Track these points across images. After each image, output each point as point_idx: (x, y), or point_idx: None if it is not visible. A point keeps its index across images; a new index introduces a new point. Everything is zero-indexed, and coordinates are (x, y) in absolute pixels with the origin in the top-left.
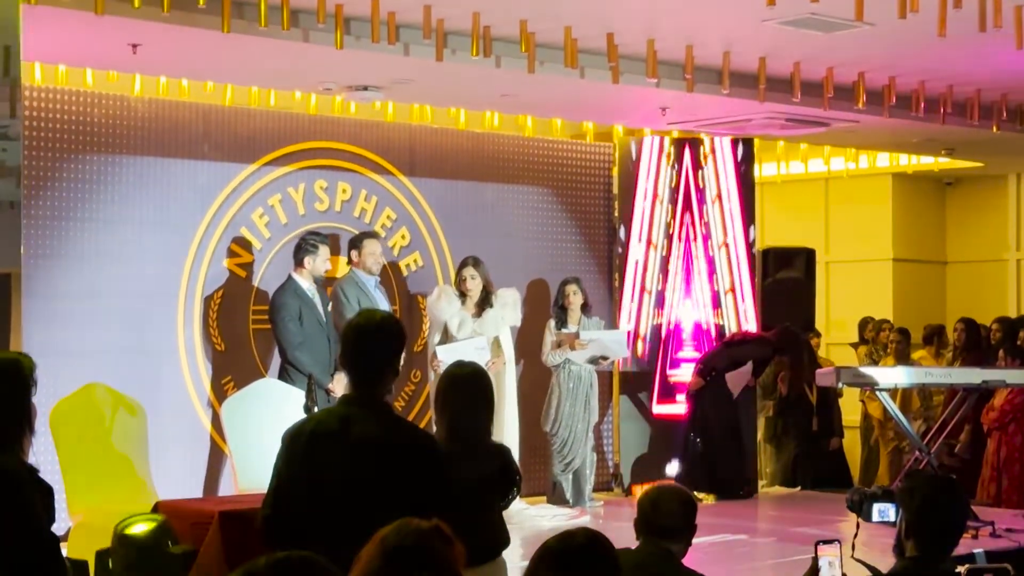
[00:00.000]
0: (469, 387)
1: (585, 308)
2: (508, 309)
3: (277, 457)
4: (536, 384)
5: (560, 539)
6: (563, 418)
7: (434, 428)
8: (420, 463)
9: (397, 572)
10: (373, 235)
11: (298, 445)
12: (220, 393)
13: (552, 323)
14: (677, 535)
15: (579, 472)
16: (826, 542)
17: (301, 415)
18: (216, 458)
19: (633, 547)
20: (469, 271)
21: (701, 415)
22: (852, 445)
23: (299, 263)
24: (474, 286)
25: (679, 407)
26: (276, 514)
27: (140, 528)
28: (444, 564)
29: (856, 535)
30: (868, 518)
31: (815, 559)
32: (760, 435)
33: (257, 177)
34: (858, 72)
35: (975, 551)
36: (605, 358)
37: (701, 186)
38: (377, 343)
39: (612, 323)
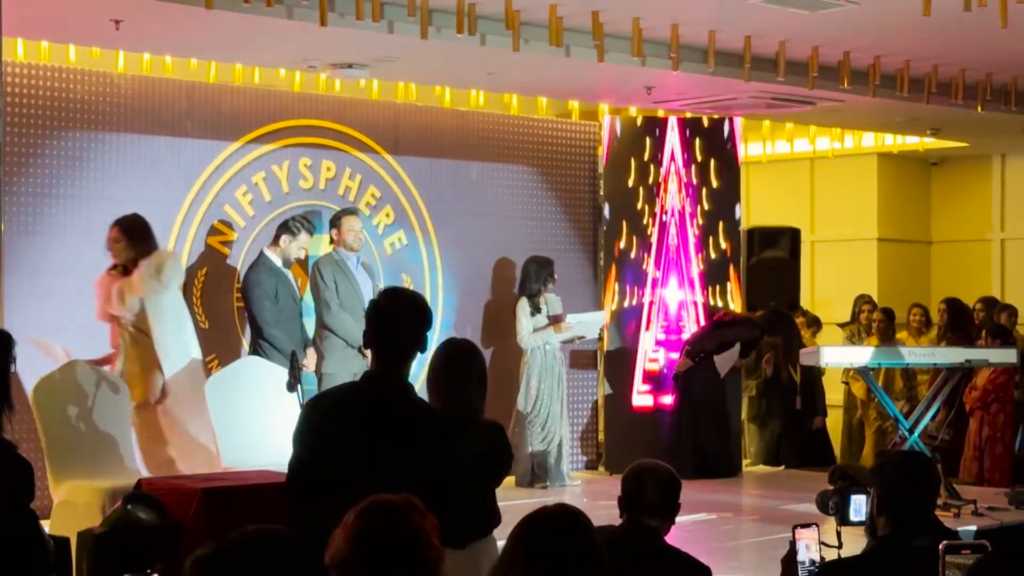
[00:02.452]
0: (461, 364)
1: None
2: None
3: (297, 426)
4: (504, 365)
5: (537, 514)
6: (542, 397)
7: None
8: (434, 447)
9: (369, 548)
10: (352, 211)
11: (318, 420)
12: (204, 371)
13: (527, 305)
14: (660, 513)
15: (559, 450)
16: (803, 526)
17: (284, 393)
18: None
19: (616, 524)
20: (113, 235)
21: (688, 397)
22: (836, 425)
23: (275, 240)
24: (119, 252)
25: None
26: (297, 487)
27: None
28: (416, 535)
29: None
30: (845, 519)
31: (792, 543)
32: (743, 414)
33: (241, 155)
34: (843, 51)
35: (960, 529)
36: (581, 338)
37: (683, 167)
38: (401, 322)
39: (598, 303)
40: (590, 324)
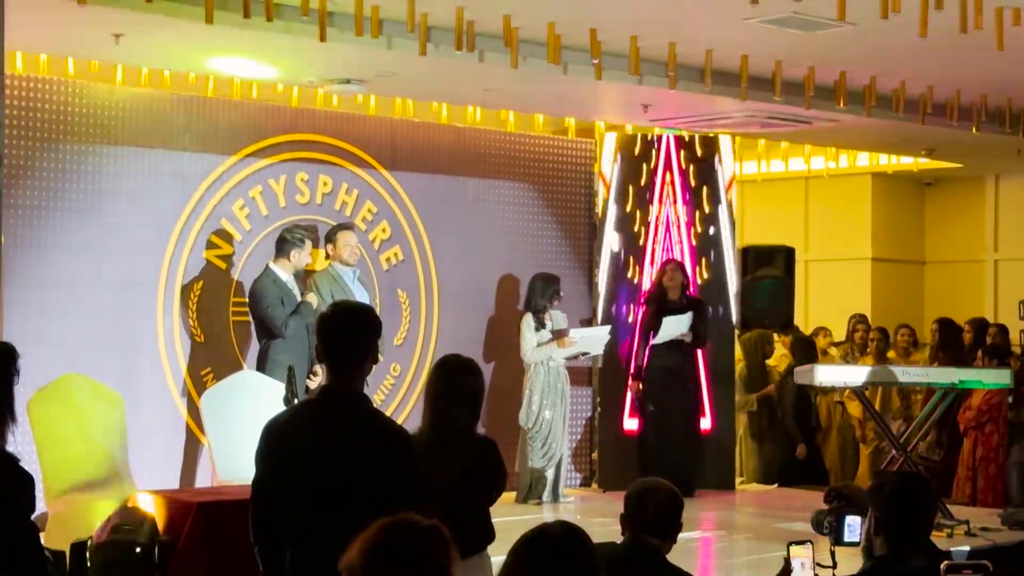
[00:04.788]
0: (453, 379)
1: None
2: None
3: (257, 449)
4: (507, 381)
5: (537, 531)
6: (544, 413)
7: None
8: (392, 456)
9: (388, 568)
10: (348, 226)
11: (275, 437)
12: (199, 384)
13: (531, 321)
14: (663, 531)
15: (559, 468)
16: (798, 543)
17: (281, 407)
18: (193, 448)
19: (616, 542)
20: None
21: (657, 414)
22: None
23: (283, 255)
24: None
25: None
26: (260, 504)
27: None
28: (437, 565)
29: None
30: (840, 539)
31: (787, 560)
32: (741, 431)
33: (238, 169)
34: (839, 71)
35: (953, 549)
36: (585, 354)
37: (679, 185)
38: (351, 334)
39: (592, 318)
40: (594, 340)
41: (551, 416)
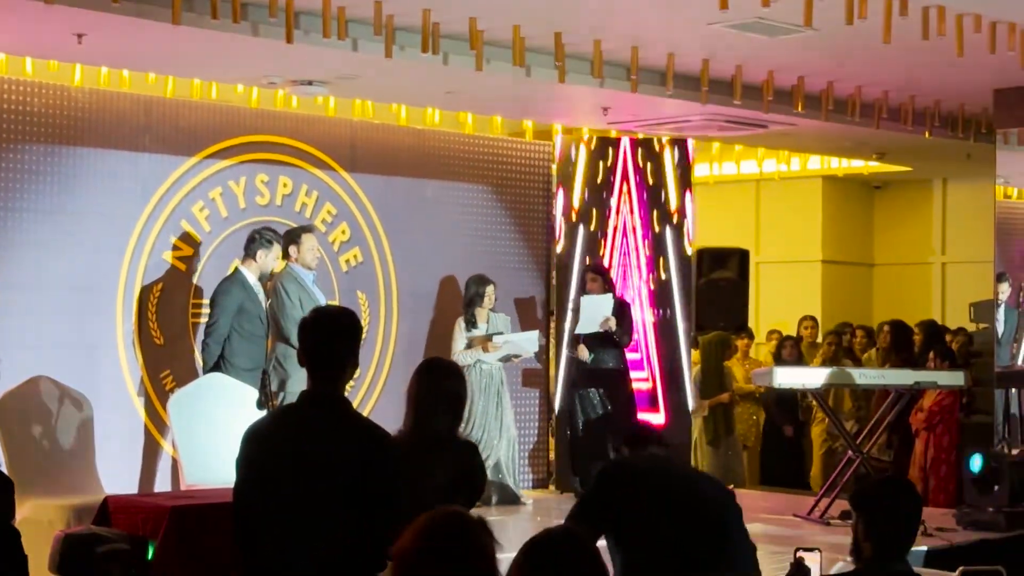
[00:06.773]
0: (436, 382)
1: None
2: None
3: (238, 455)
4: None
5: (541, 537)
6: (476, 417)
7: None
8: (377, 459)
9: (436, 555)
10: (310, 228)
11: (258, 443)
12: (158, 387)
13: (462, 323)
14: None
15: (499, 470)
16: (807, 549)
17: (252, 410)
18: (152, 452)
19: None
20: None
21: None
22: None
23: (251, 256)
24: None
25: None
26: (243, 510)
27: None
28: (488, 557)
29: None
30: None
31: (799, 563)
32: (697, 434)
33: (198, 170)
34: (798, 76)
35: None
36: (517, 356)
37: (635, 188)
38: (334, 339)
39: (548, 320)
40: (521, 344)
41: (483, 419)
